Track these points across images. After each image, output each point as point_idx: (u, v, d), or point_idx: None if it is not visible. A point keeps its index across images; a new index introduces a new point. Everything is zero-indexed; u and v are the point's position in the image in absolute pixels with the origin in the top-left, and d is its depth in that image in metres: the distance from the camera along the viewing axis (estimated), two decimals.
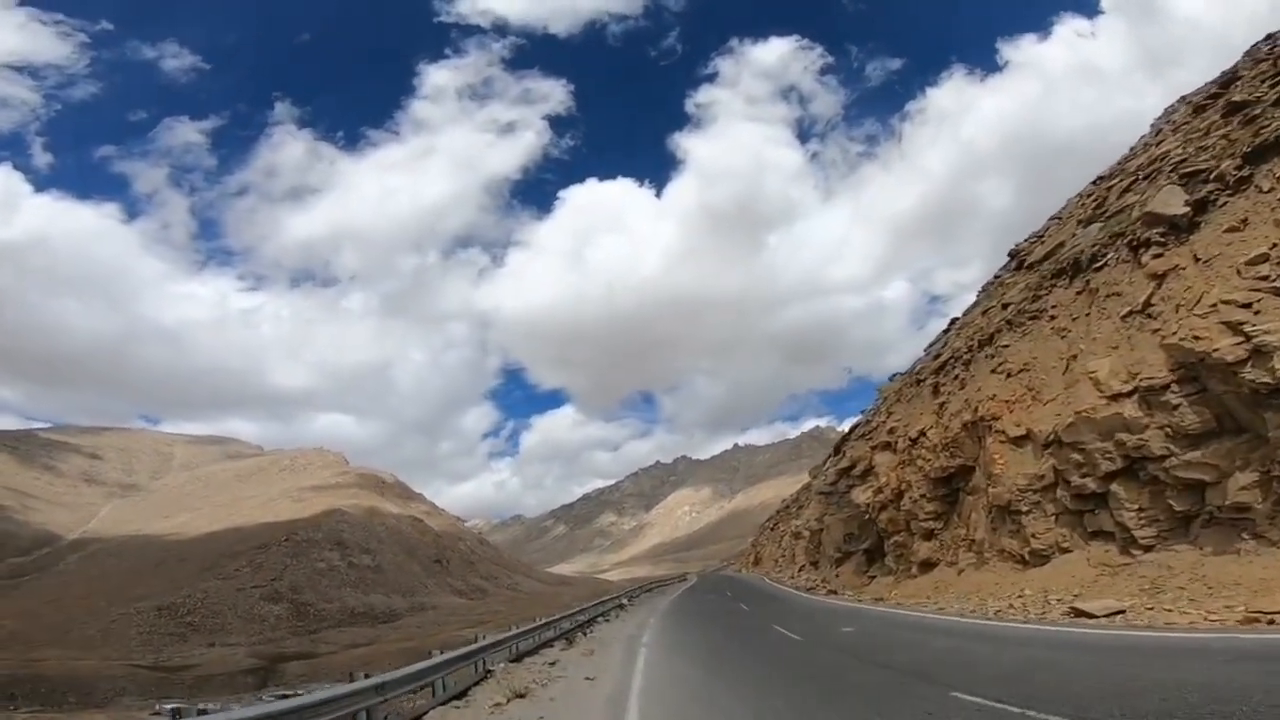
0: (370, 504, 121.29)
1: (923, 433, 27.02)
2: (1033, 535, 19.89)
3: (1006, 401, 22.44)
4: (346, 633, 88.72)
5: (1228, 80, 20.24)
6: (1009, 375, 23.06)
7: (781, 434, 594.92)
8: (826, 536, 38.59)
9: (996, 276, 33.14)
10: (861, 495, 30.62)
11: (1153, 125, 26.75)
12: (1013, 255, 31.29)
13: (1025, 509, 20.32)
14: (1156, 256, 18.52)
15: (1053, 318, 22.88)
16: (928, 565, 25.72)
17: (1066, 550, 19.06)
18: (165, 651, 75.65)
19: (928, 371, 30.05)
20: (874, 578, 30.33)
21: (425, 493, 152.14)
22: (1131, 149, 26.69)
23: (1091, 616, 13.87)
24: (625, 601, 32.25)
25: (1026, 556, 20.08)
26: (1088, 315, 21.29)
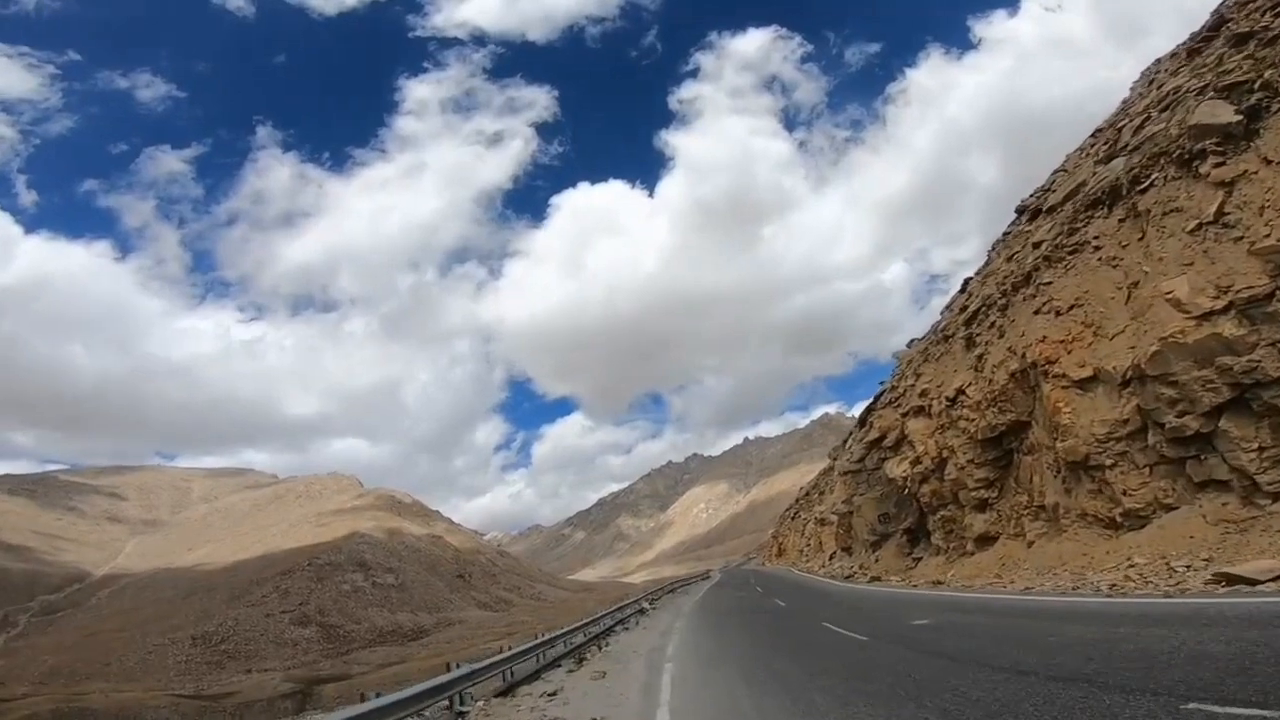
0: (389, 524, 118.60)
1: (961, 391, 23.39)
2: (1124, 493, 16.25)
3: (1061, 342, 18.86)
4: (378, 652, 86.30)
5: (1216, 24, 18.74)
6: (1058, 314, 19.49)
7: (792, 424, 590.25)
8: (858, 519, 34.87)
9: (1006, 233, 30.34)
10: (896, 468, 26.97)
11: (1144, 74, 25.30)
12: (1020, 210, 28.59)
13: (1109, 462, 16.68)
14: (1218, 165, 15.51)
15: (1097, 248, 19.38)
16: (986, 540, 22.05)
17: (1170, 506, 15.44)
18: (204, 680, 73.47)
19: (956, 325, 26.40)
20: (920, 559, 26.65)
21: (442, 509, 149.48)
22: (1125, 101, 24.97)
23: (1251, 582, 10.29)
24: (647, 605, 28.64)
25: (1118, 518, 16.43)
26: (1140, 239, 17.99)
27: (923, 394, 25.96)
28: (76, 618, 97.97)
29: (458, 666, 9.43)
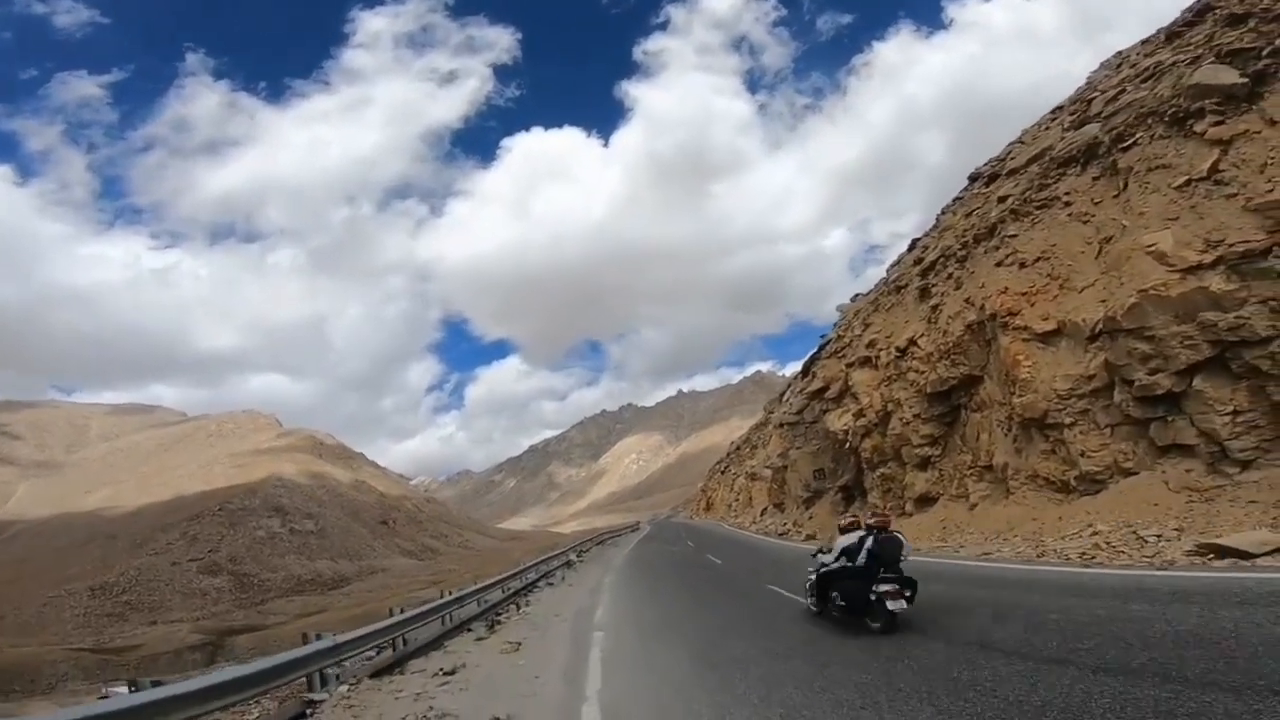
0: (309, 467, 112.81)
1: (913, 341, 22.21)
2: (1081, 454, 15.32)
3: (1024, 294, 17.79)
4: (295, 602, 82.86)
5: (1202, 9, 18.40)
6: (1022, 266, 18.42)
7: (726, 380, 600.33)
8: (792, 474, 34.14)
9: (957, 198, 29.58)
10: (838, 421, 25.90)
11: (1103, 64, 25.28)
12: (974, 177, 27.76)
13: (1068, 420, 15.71)
14: (1217, 124, 14.82)
15: (1067, 204, 18.48)
16: (926, 500, 21.22)
17: (1130, 471, 14.58)
18: (106, 633, 68.60)
19: (910, 276, 25.17)
20: None
21: (368, 452, 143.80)
22: (1088, 81, 24.88)
23: (1245, 555, 9.20)
24: (574, 558, 26.99)
25: (1072, 482, 15.53)
26: (1117, 195, 17.18)
27: (870, 344, 24.75)
28: None
29: (318, 637, 7.15)
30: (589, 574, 21.60)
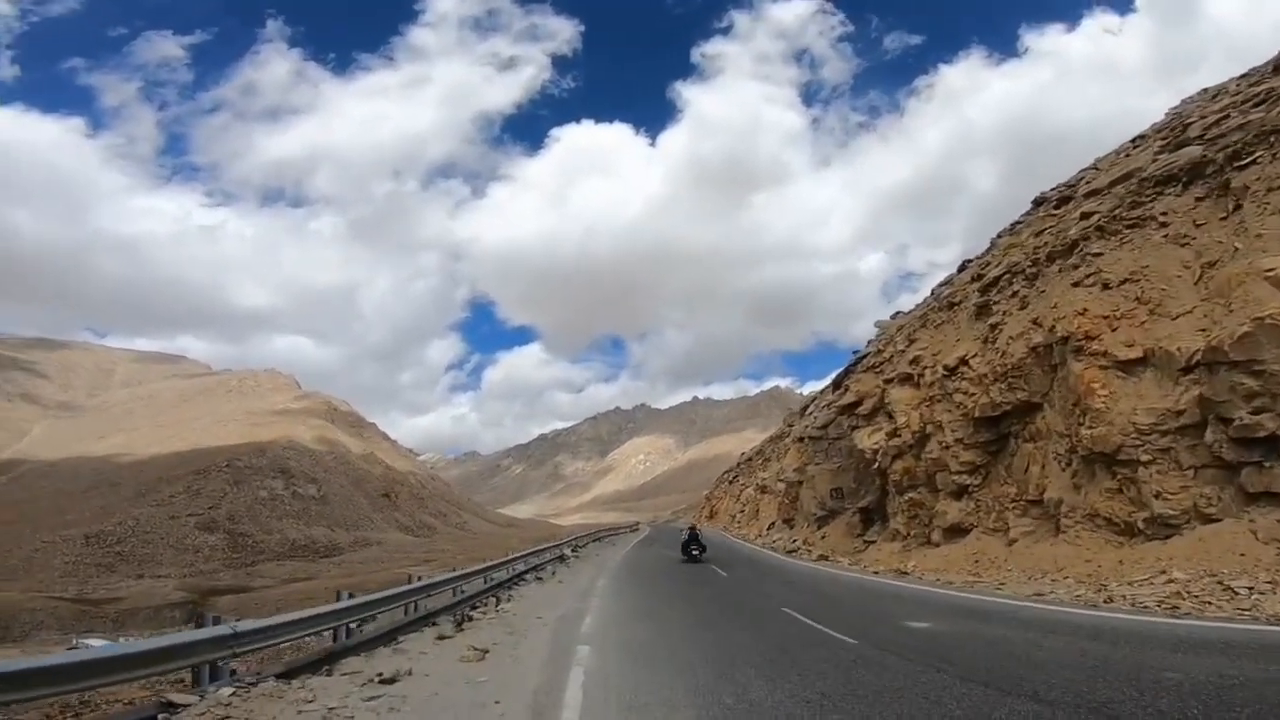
0: (320, 432, 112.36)
1: (964, 361, 20.13)
2: (1156, 495, 13.26)
3: (1105, 317, 15.72)
4: (285, 566, 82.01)
5: None
6: (1105, 287, 16.35)
7: (742, 391, 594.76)
8: (807, 490, 32.06)
9: (1016, 223, 27.46)
10: (867, 439, 23.83)
11: (1184, 100, 23.91)
12: (1039, 202, 25.70)
13: (1145, 458, 13.61)
14: None
15: (1164, 224, 16.54)
16: (957, 531, 19.12)
17: (1211, 518, 12.58)
18: (90, 583, 68.21)
19: (967, 292, 23.06)
20: (871, 543, 23.80)
21: (381, 423, 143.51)
22: (1172, 113, 23.32)
23: None
24: (569, 552, 25.22)
25: (1140, 524, 13.48)
26: (1225, 218, 15.37)
27: (914, 361, 22.66)
28: None
29: (216, 622, 5.45)
30: (582, 573, 19.83)
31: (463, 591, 12.56)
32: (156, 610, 60.56)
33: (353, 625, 7.97)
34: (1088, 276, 17.05)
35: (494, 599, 13.35)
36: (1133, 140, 24.07)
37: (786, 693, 6.17)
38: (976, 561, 17.02)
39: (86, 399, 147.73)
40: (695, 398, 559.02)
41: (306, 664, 6.56)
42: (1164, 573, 11.74)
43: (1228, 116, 17.58)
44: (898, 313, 33.58)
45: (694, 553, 22.99)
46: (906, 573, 17.45)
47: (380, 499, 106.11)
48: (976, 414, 18.81)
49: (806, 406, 45.70)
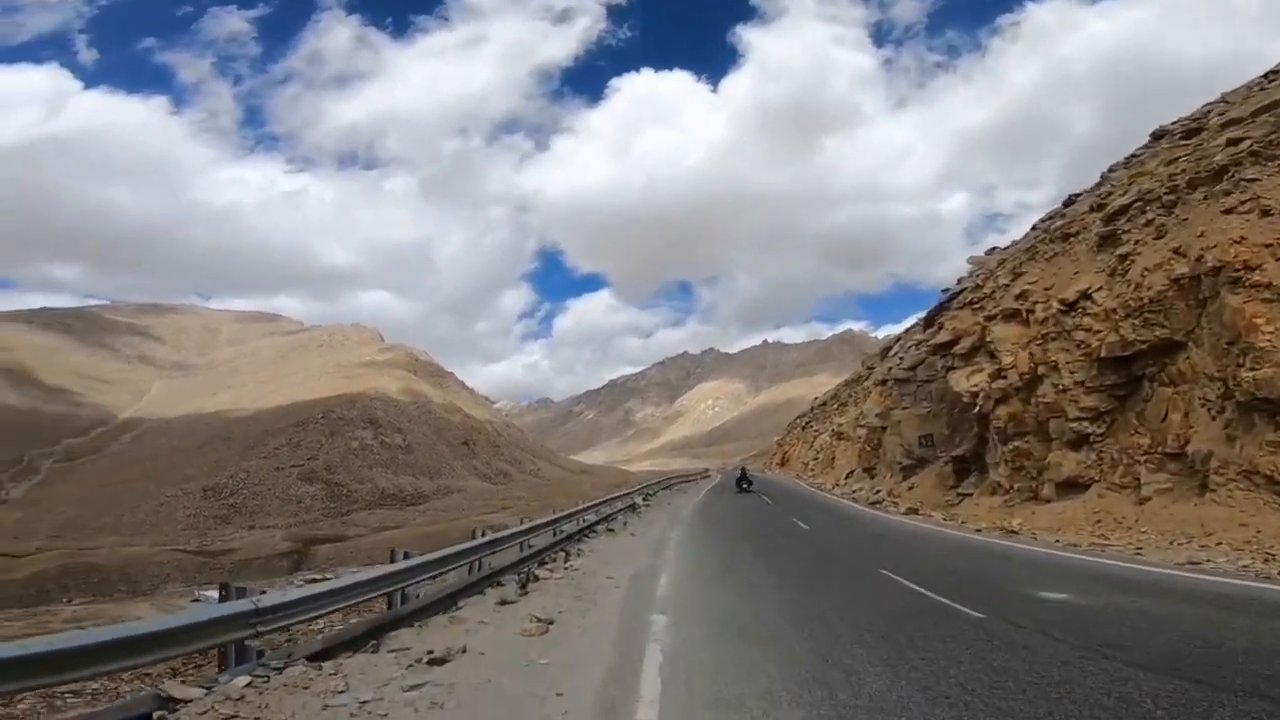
0: (404, 383, 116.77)
1: (1085, 295, 17.53)
2: None
3: (1269, 245, 13.15)
4: (376, 514, 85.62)
5: None
6: (1266, 214, 13.70)
7: (815, 334, 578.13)
8: (891, 437, 30.04)
9: (1133, 155, 24.04)
10: (965, 381, 21.61)
11: None
12: (1158, 135, 22.94)
13: None
14: None
15: None
16: (1073, 486, 16.99)
17: None
18: (209, 535, 71.75)
19: (1087, 223, 20.08)
20: (966, 495, 21.83)
21: (457, 372, 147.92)
22: None
23: None
24: (640, 500, 24.60)
25: None
26: None
27: (1021, 296, 20.06)
28: (99, 464, 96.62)
29: (240, 595, 4.70)
30: (654, 523, 19.07)
31: (530, 546, 11.88)
32: (267, 560, 64.24)
33: (409, 589, 7.26)
34: (1242, 203, 14.34)
35: (563, 554, 12.68)
36: (1266, 74, 20.58)
37: (915, 684, 4.94)
38: (1099, 521, 15.01)
39: (197, 358, 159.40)
40: (765, 341, 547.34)
41: (348, 640, 5.86)
42: None
43: None
44: (994, 249, 30.33)
45: (744, 486, 33.67)
46: (1015, 531, 15.65)
47: (460, 447, 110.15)
48: (1103, 353, 16.38)
49: (889, 348, 42.87)
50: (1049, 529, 15.51)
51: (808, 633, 6.68)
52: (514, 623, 7.03)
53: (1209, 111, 20.65)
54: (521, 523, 11.98)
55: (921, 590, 8.60)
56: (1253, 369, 12.29)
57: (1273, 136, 14.87)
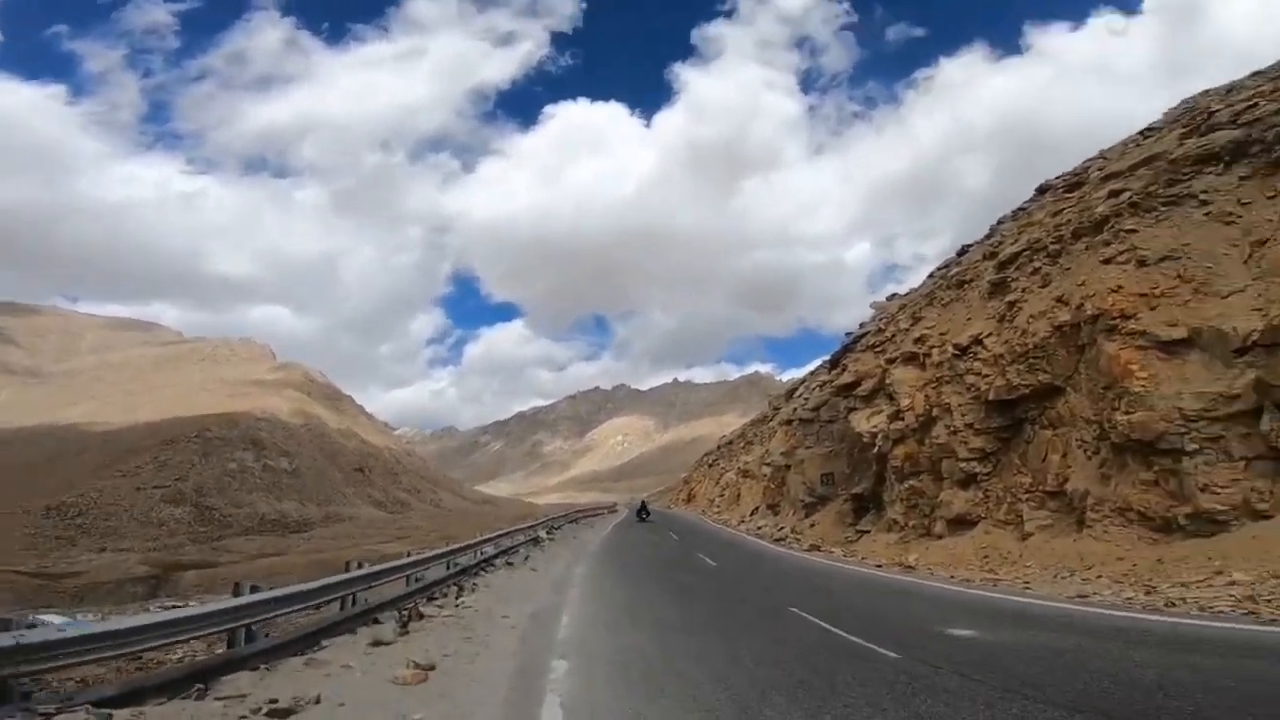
0: (295, 404, 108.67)
1: (977, 340, 18.54)
2: (1202, 489, 11.80)
3: (1143, 295, 14.33)
4: (254, 541, 79.56)
5: None
6: (1142, 264, 14.96)
7: (723, 375, 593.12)
8: (795, 476, 30.53)
9: (1020, 208, 26.07)
10: (866, 421, 22.24)
11: (1183, 101, 22.60)
12: (1043, 189, 24.69)
13: (1190, 447, 12.12)
14: None
15: (1204, 202, 15.21)
16: (962, 523, 17.62)
17: (1263, 515, 11.21)
18: (51, 556, 64.06)
19: (981, 269, 21.45)
20: (865, 533, 22.27)
21: (359, 396, 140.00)
22: (1169, 114, 22.03)
23: None
24: (543, 534, 23.39)
25: (1180, 520, 12.03)
26: (1274, 197, 13.97)
27: (919, 340, 21.02)
28: None
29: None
30: (558, 558, 18.01)
31: (418, 580, 10.63)
32: (119, 584, 58.06)
33: (255, 626, 6.01)
34: (1121, 253, 15.57)
35: (455, 589, 11.48)
36: (1141, 131, 22.94)
37: None
38: (986, 556, 15.52)
39: (54, 365, 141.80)
40: (676, 380, 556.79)
41: (164, 684, 4.62)
42: (1220, 573, 10.27)
43: (1256, 104, 16.23)
44: (894, 294, 31.98)
45: (644, 517, 40.18)
46: (912, 567, 15.88)
47: (354, 473, 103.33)
48: (990, 396, 17.26)
49: (795, 389, 44.18)
50: (942, 564, 15.86)
51: (725, 680, 6.05)
52: (386, 667, 5.95)
53: (1089, 167, 22.53)
54: (409, 554, 10.71)
55: (833, 629, 8.23)
56: (1127, 412, 13.16)
57: (1151, 188, 16.30)
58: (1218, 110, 17.65)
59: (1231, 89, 20.20)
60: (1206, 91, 22.73)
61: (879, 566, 16.43)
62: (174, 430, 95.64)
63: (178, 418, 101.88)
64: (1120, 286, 14.64)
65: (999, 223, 27.38)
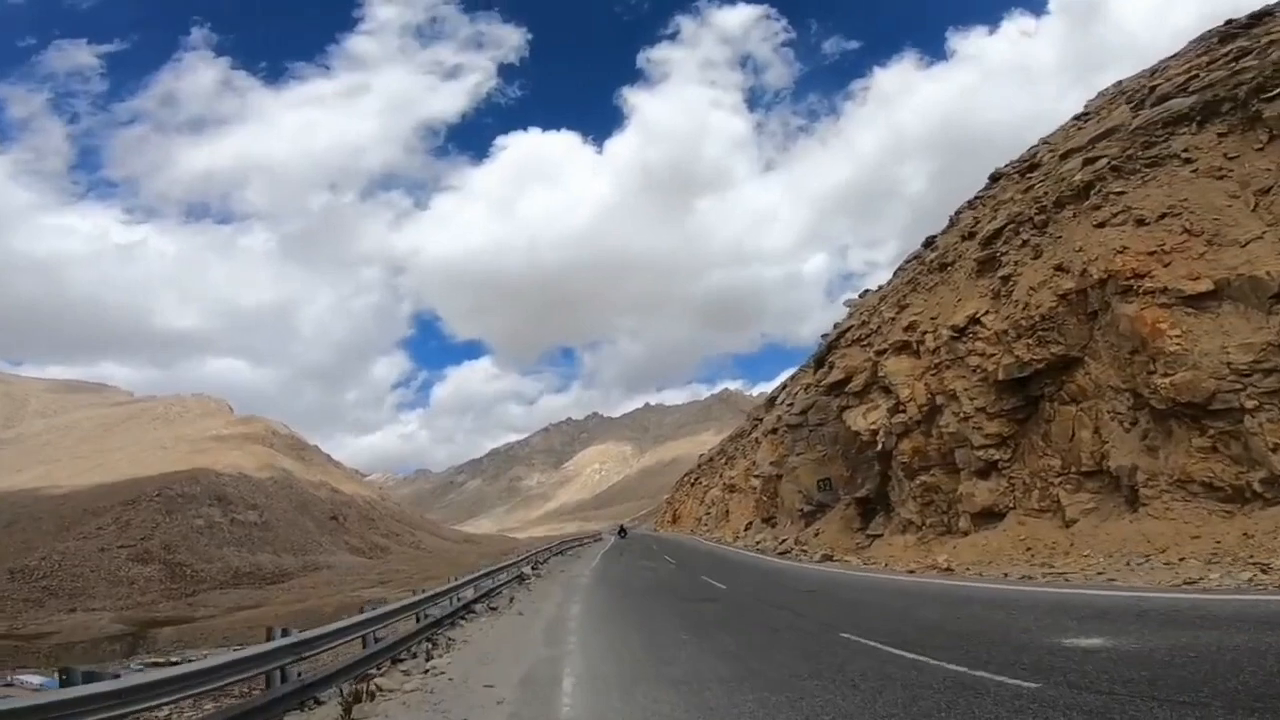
0: (259, 458, 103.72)
1: (974, 320, 17.06)
2: (1273, 448, 10.30)
3: (1152, 253, 12.98)
4: (230, 594, 76.10)
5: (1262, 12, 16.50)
6: (1141, 224, 13.72)
7: (694, 395, 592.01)
8: (788, 485, 28.65)
9: (976, 197, 25.22)
10: (862, 419, 20.54)
11: (1100, 94, 22.54)
12: (995, 176, 23.96)
13: (1249, 404, 10.63)
14: None
15: (1188, 160, 14.06)
16: (990, 515, 15.90)
17: None
18: (20, 619, 61.48)
19: (962, 250, 20.16)
20: (876, 537, 20.41)
21: (327, 445, 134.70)
22: (1090, 106, 22.07)
23: None
24: (528, 571, 20.91)
25: (1256, 487, 10.49)
26: (1263, 148, 12.92)
27: (909, 327, 19.50)
28: None
29: None
30: (548, 596, 15.65)
31: (379, 640, 8.31)
32: (94, 643, 55.04)
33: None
34: (1115, 215, 14.38)
35: (426, 645, 9.16)
36: (1076, 117, 22.49)
37: None
38: (1029, 549, 13.78)
39: (1, 431, 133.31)
40: (647, 404, 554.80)
41: None
42: None
43: (1197, 75, 15.58)
44: (867, 290, 30.74)
45: (623, 535, 49.60)
46: (949, 569, 14.04)
47: (328, 522, 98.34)
48: (1000, 376, 15.70)
49: (775, 397, 42.55)
50: (979, 563, 14.06)
51: None
52: None
53: (1036, 153, 21.87)
54: (363, 610, 8.38)
55: (920, 658, 6.21)
56: (1166, 374, 11.66)
57: (1129, 152, 15.28)
58: (1158, 85, 17.03)
59: (1155, 71, 19.82)
60: (1119, 82, 22.45)
61: (911, 572, 14.54)
62: (133, 490, 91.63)
63: (135, 478, 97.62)
64: (1125, 247, 13.38)
65: (957, 213, 26.38)
